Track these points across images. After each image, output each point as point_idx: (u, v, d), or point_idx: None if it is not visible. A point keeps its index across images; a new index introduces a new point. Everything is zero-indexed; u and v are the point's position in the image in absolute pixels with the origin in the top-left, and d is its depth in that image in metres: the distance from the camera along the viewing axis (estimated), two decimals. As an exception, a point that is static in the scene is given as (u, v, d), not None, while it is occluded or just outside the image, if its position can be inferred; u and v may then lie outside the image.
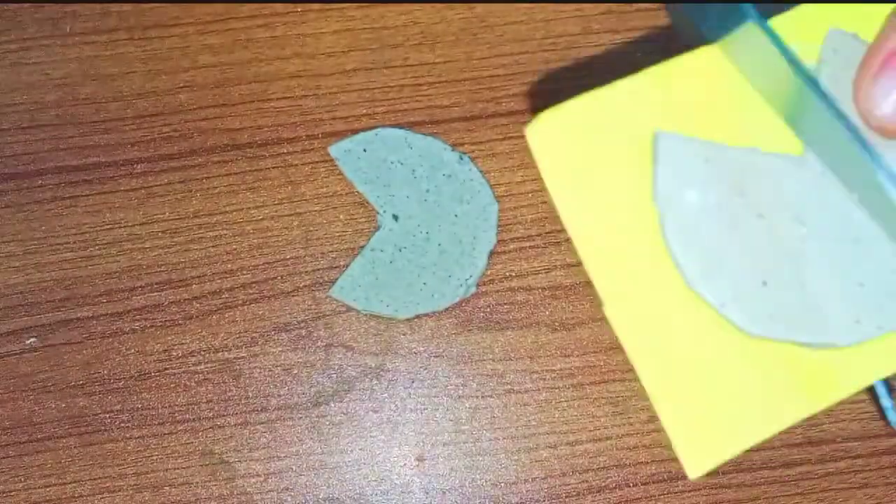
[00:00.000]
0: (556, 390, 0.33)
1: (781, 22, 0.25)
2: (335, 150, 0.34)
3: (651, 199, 0.24)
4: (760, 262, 0.24)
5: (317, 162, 0.34)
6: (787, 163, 0.24)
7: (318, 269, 0.33)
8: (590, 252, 0.24)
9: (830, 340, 0.23)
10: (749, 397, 0.24)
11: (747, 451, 0.24)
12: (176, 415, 0.33)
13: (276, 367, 0.33)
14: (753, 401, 0.24)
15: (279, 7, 0.35)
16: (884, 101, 0.22)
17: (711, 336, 0.24)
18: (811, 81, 0.22)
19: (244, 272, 0.33)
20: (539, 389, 0.33)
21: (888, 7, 0.24)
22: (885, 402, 0.23)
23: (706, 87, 0.24)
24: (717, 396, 0.24)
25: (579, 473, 0.32)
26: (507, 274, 0.33)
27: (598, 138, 0.24)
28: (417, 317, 0.33)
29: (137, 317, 0.33)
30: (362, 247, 0.33)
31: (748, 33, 0.23)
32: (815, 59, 0.24)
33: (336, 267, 0.33)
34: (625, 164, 0.24)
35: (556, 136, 0.24)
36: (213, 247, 0.34)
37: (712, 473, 0.32)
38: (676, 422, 0.24)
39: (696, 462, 0.23)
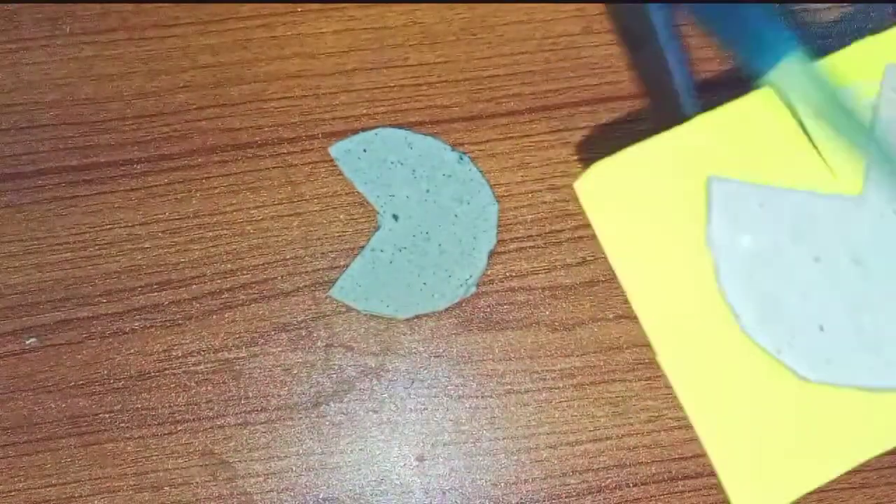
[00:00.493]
0: (556, 390, 0.33)
1: (838, 59, 0.24)
2: (335, 150, 0.34)
3: (705, 245, 0.24)
4: (817, 307, 0.23)
5: (317, 162, 0.34)
6: (845, 203, 0.24)
7: (318, 269, 0.33)
8: (643, 302, 0.24)
9: (892, 384, 0.23)
10: (806, 443, 0.23)
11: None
12: (176, 415, 0.33)
13: (276, 367, 0.33)
14: (810, 447, 0.23)
15: (279, 7, 0.35)
16: None
17: (768, 383, 0.23)
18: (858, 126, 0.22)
19: (244, 272, 0.33)
20: (539, 389, 0.33)
21: None
22: None
23: (758, 131, 0.23)
24: (774, 444, 0.23)
25: (579, 473, 0.32)
26: (507, 274, 0.33)
27: (650, 188, 0.24)
28: (417, 317, 0.33)
29: (137, 317, 0.33)
30: (362, 247, 0.33)
31: (795, 72, 0.23)
32: (873, 95, 0.24)
33: (336, 267, 0.33)
34: (677, 212, 0.24)
35: (606, 188, 0.25)
36: (213, 247, 0.34)
37: (712, 473, 0.32)
38: (730, 469, 0.23)
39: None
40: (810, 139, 0.24)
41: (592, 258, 0.33)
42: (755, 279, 0.24)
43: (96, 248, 0.34)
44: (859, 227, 0.24)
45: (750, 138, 0.24)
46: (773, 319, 0.23)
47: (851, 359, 0.23)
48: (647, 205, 0.24)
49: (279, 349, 0.33)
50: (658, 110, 0.31)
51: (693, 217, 0.24)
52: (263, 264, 0.33)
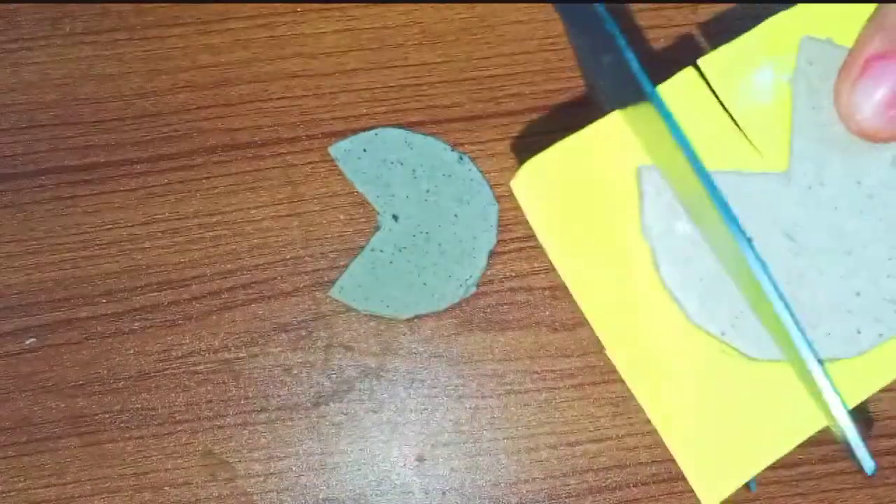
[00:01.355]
0: (556, 391, 0.33)
1: (753, 35, 0.24)
2: (335, 150, 0.34)
3: (640, 235, 0.24)
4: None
5: (317, 162, 0.34)
6: (772, 180, 0.24)
7: (318, 269, 0.33)
8: (586, 297, 0.24)
9: (833, 355, 0.23)
10: (758, 420, 0.24)
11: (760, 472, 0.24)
12: (176, 415, 0.33)
13: (276, 367, 0.33)
14: (762, 423, 0.24)
15: (279, 7, 0.35)
16: (865, 104, 0.22)
17: (716, 365, 0.24)
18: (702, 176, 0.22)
19: (244, 272, 0.33)
20: (539, 390, 0.33)
21: (860, 10, 0.23)
22: (859, 450, 0.23)
23: (683, 115, 0.23)
24: (727, 423, 0.24)
25: (579, 474, 0.32)
26: (507, 274, 0.33)
27: (582, 181, 0.25)
28: (417, 317, 0.33)
29: (137, 317, 0.33)
30: (362, 247, 0.33)
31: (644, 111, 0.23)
32: (791, 71, 0.24)
33: (336, 267, 0.33)
34: (611, 204, 0.24)
35: (540, 185, 0.25)
36: (213, 247, 0.34)
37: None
38: (688, 454, 0.24)
39: (712, 492, 0.24)
40: (733, 119, 0.24)
41: (592, 258, 0.33)
42: (692, 265, 0.24)
43: (96, 248, 0.34)
44: (788, 203, 0.24)
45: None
46: (715, 303, 0.24)
47: None
48: (582, 199, 0.25)
49: (279, 349, 0.33)
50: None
51: (628, 208, 0.24)
52: (263, 264, 0.33)
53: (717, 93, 0.24)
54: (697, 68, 0.24)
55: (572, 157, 0.25)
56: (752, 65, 0.24)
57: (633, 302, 0.24)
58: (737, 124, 0.24)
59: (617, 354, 0.24)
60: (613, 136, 0.25)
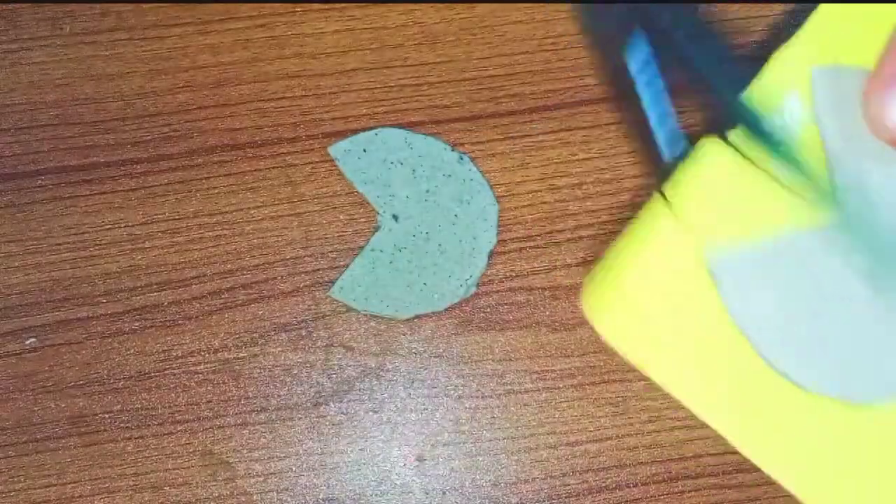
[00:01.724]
0: (556, 390, 0.33)
1: (763, 82, 0.24)
2: (335, 150, 0.34)
3: (730, 323, 0.24)
4: (848, 340, 0.23)
5: (317, 162, 0.34)
6: (821, 236, 0.23)
7: (318, 269, 0.33)
8: (702, 405, 0.24)
9: None
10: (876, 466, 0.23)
11: None
12: (176, 415, 0.33)
13: (276, 367, 0.33)
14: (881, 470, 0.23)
15: (279, 7, 0.35)
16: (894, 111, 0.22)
17: (842, 421, 0.23)
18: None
19: (244, 272, 0.33)
20: (539, 390, 0.33)
21: (857, 28, 0.23)
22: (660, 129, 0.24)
23: (724, 187, 0.23)
24: (853, 474, 0.23)
25: (579, 474, 0.32)
26: (507, 274, 0.33)
27: (654, 293, 0.24)
28: (417, 317, 0.33)
29: (137, 317, 0.33)
30: (362, 247, 0.33)
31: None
32: (811, 105, 0.24)
33: (336, 267, 0.33)
34: (691, 303, 0.24)
35: (613, 308, 0.25)
36: (213, 247, 0.34)
37: (712, 473, 0.32)
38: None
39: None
40: (774, 177, 0.24)
41: (592, 258, 0.33)
42: (789, 335, 0.24)
43: (96, 248, 0.34)
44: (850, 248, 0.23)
45: (721, 198, 0.24)
46: (817, 360, 0.23)
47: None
48: (660, 309, 0.24)
49: (279, 349, 0.33)
50: (643, 157, 0.31)
51: (708, 300, 0.24)
52: (263, 264, 0.33)
53: (746, 153, 0.23)
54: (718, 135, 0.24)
55: (639, 275, 0.24)
56: (770, 112, 0.24)
57: (746, 391, 0.24)
58: (779, 181, 0.23)
59: (751, 450, 0.24)
60: (668, 235, 0.24)
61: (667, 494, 0.32)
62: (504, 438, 0.32)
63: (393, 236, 0.33)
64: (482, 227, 0.33)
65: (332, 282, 0.33)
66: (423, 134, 0.34)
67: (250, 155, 0.34)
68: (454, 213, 0.33)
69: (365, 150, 0.34)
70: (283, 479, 0.32)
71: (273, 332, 0.33)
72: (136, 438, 0.32)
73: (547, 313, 0.33)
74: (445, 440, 0.32)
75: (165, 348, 0.33)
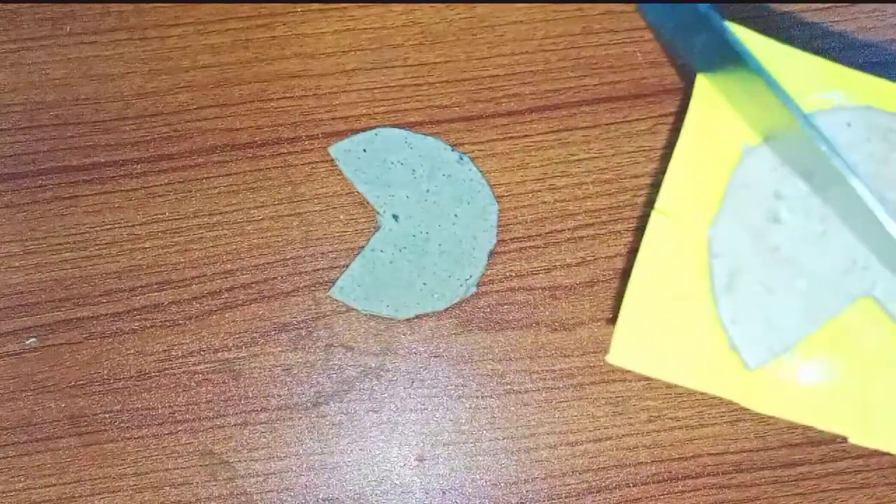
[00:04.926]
0: (556, 390, 0.33)
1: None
2: (335, 150, 0.34)
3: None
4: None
5: (317, 162, 0.34)
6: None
7: (318, 269, 0.33)
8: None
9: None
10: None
11: (748, 451, 0.25)
12: (176, 415, 0.33)
13: (276, 367, 0.33)
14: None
15: (279, 7, 0.35)
16: None
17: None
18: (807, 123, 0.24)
19: (244, 272, 0.33)
20: (539, 389, 0.33)
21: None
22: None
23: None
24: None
25: (579, 473, 0.32)
26: (507, 274, 0.33)
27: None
28: (417, 317, 0.33)
29: (137, 317, 0.33)
30: (362, 247, 0.33)
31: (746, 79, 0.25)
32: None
33: (336, 267, 0.33)
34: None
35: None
36: (213, 247, 0.34)
37: (712, 473, 0.32)
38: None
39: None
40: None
41: (592, 258, 0.33)
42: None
43: (96, 248, 0.34)
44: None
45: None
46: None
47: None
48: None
49: (279, 349, 0.33)
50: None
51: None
52: (263, 264, 0.33)
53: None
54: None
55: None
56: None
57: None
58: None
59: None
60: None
61: (667, 494, 0.32)
62: (504, 438, 0.32)
63: (393, 236, 0.33)
64: (482, 227, 0.33)
65: (332, 282, 0.33)
66: (423, 134, 0.34)
67: (250, 155, 0.34)
68: (454, 213, 0.33)
69: (365, 150, 0.34)
70: (283, 479, 0.32)
71: (273, 332, 0.33)
72: (136, 438, 0.32)
73: (547, 313, 0.33)
74: (445, 440, 0.32)
75: (165, 348, 0.33)
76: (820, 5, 0.34)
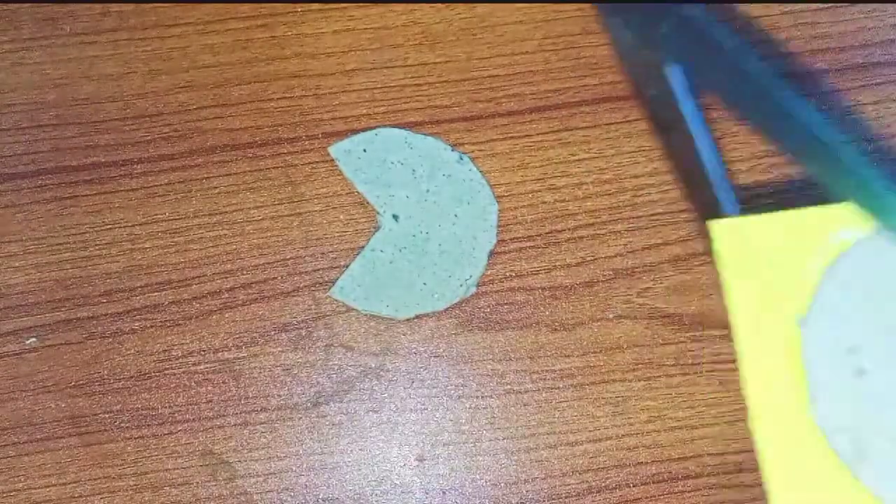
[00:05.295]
0: (556, 390, 0.33)
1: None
2: (335, 150, 0.34)
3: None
4: None
5: (317, 162, 0.34)
6: None
7: (318, 269, 0.33)
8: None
9: None
10: None
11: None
12: (176, 415, 0.33)
13: (276, 367, 0.33)
14: None
15: (279, 7, 0.35)
16: None
17: None
18: None
19: (244, 272, 0.33)
20: (539, 389, 0.33)
21: None
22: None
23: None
24: None
25: (579, 473, 0.32)
26: (507, 274, 0.33)
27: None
28: (417, 317, 0.33)
29: (137, 317, 0.33)
30: (362, 247, 0.33)
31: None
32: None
33: (336, 267, 0.33)
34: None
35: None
36: (213, 247, 0.34)
37: (712, 473, 0.32)
38: None
39: None
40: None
41: (592, 258, 0.33)
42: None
43: (96, 248, 0.34)
44: None
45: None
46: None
47: None
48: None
49: (279, 349, 0.33)
50: (694, 199, 0.31)
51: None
52: (263, 264, 0.33)
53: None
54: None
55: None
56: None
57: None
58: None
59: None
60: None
61: (667, 494, 0.32)
62: (504, 438, 0.32)
63: (393, 236, 0.33)
64: (482, 227, 0.33)
65: (332, 282, 0.33)
66: (423, 134, 0.34)
67: (250, 155, 0.34)
68: (454, 213, 0.33)
69: (365, 150, 0.34)
70: (283, 479, 0.32)
71: (273, 332, 0.33)
72: (136, 438, 0.32)
73: (547, 313, 0.33)
74: (445, 440, 0.32)
75: (165, 348, 0.33)
76: (820, 5, 0.34)
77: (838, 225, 0.25)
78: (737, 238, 0.26)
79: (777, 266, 0.25)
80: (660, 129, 0.26)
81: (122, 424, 0.33)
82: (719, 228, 0.25)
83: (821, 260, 0.25)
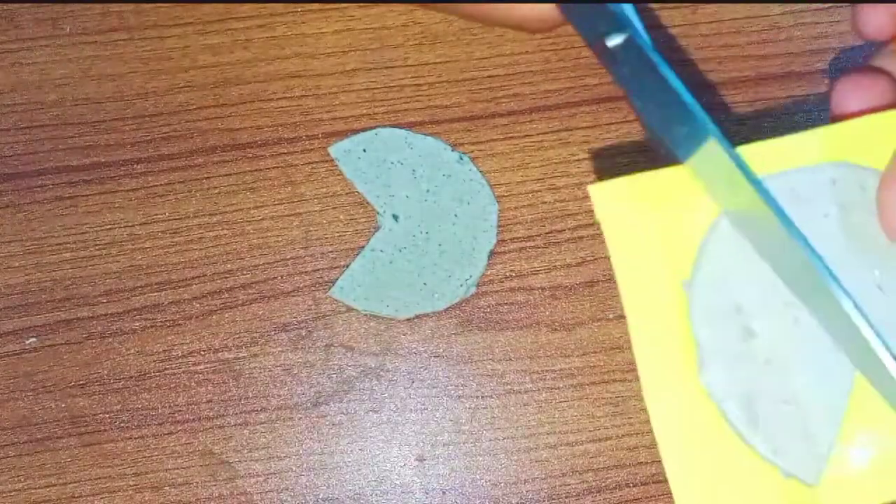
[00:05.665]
0: (556, 390, 0.33)
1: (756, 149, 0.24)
2: (335, 150, 0.34)
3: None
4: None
5: (317, 162, 0.34)
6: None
7: (318, 269, 0.33)
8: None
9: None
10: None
11: None
12: (176, 415, 0.33)
13: (276, 367, 0.33)
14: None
15: (279, 7, 0.35)
16: None
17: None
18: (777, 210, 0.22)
19: (244, 272, 0.33)
20: (539, 389, 0.33)
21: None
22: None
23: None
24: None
25: (579, 474, 0.32)
26: (507, 274, 0.33)
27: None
28: (417, 317, 0.33)
29: (137, 317, 0.33)
30: (362, 247, 0.33)
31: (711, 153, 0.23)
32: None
33: (336, 267, 0.33)
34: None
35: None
36: (213, 247, 0.34)
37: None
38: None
39: None
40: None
41: (592, 258, 0.33)
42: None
43: (96, 248, 0.34)
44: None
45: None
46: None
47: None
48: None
49: (279, 349, 0.33)
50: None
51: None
52: (263, 264, 0.33)
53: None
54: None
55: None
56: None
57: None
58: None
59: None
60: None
61: (667, 494, 0.32)
62: (504, 438, 0.32)
63: (393, 236, 0.33)
64: (482, 227, 0.33)
65: (332, 282, 0.33)
66: (423, 134, 0.34)
67: (250, 155, 0.34)
68: (454, 213, 0.33)
69: (365, 150, 0.34)
70: (283, 479, 0.32)
71: (273, 332, 0.33)
72: (136, 438, 0.32)
73: (547, 313, 0.33)
74: (445, 440, 0.32)
75: (165, 348, 0.33)
76: (820, 5, 0.34)
77: None
78: (616, 200, 0.24)
79: (659, 227, 0.24)
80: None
81: (122, 424, 0.33)
82: (597, 192, 0.24)
83: (703, 216, 0.24)
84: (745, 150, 0.23)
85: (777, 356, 0.24)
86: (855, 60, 0.34)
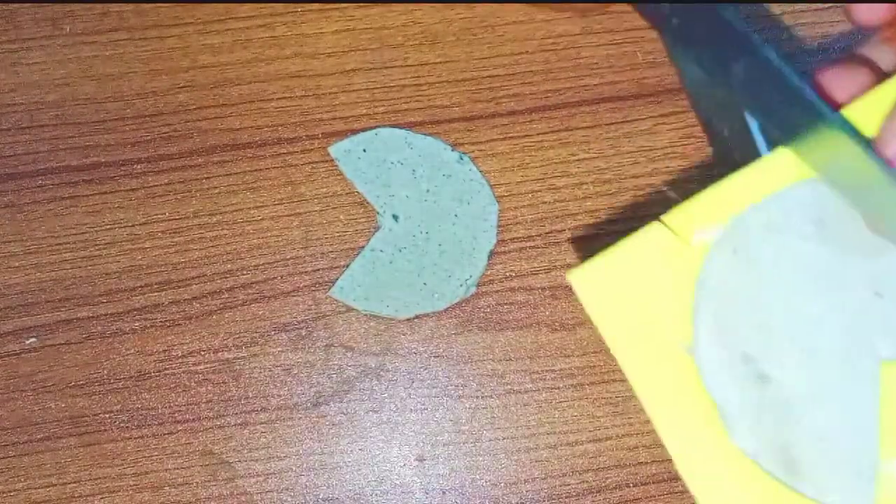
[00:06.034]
0: (556, 390, 0.33)
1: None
2: (335, 150, 0.34)
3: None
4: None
5: (317, 162, 0.34)
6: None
7: (318, 269, 0.33)
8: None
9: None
10: None
11: None
12: (176, 415, 0.33)
13: (276, 367, 0.33)
14: None
15: (279, 7, 0.35)
16: None
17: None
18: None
19: (244, 272, 0.33)
20: (539, 390, 0.33)
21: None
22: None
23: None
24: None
25: (579, 474, 0.32)
26: (507, 274, 0.33)
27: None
28: (417, 317, 0.33)
29: (137, 317, 0.33)
30: (362, 247, 0.33)
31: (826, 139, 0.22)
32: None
33: (336, 267, 0.33)
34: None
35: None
36: (213, 247, 0.34)
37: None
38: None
39: None
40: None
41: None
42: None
43: (96, 248, 0.34)
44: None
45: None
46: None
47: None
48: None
49: (279, 349, 0.33)
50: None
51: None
52: (263, 264, 0.33)
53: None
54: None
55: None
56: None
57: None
58: None
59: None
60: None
61: (667, 494, 0.32)
62: (504, 438, 0.32)
63: (393, 236, 0.33)
64: (482, 227, 0.33)
65: (332, 282, 0.33)
66: (423, 134, 0.34)
67: (250, 155, 0.34)
68: (454, 213, 0.33)
69: (365, 150, 0.34)
70: (283, 479, 0.32)
71: (273, 332, 0.33)
72: (136, 438, 0.32)
73: (547, 313, 0.33)
74: (445, 440, 0.32)
75: (165, 348, 0.33)
76: (820, 5, 0.34)
77: (691, 227, 0.23)
78: (597, 282, 0.24)
79: (647, 298, 0.24)
80: (734, 166, 0.25)
81: (122, 424, 0.33)
82: (577, 278, 0.24)
83: (687, 275, 0.23)
84: (706, 195, 0.23)
85: (796, 394, 0.23)
86: (839, 50, 0.34)
